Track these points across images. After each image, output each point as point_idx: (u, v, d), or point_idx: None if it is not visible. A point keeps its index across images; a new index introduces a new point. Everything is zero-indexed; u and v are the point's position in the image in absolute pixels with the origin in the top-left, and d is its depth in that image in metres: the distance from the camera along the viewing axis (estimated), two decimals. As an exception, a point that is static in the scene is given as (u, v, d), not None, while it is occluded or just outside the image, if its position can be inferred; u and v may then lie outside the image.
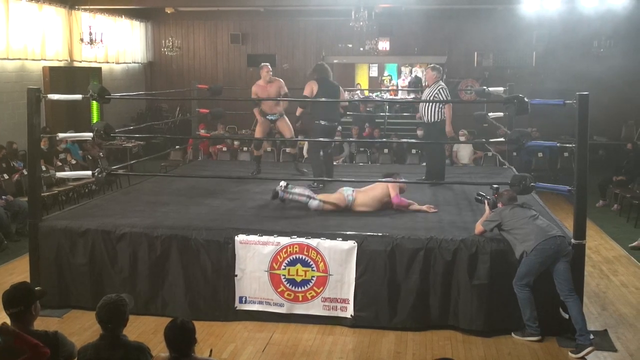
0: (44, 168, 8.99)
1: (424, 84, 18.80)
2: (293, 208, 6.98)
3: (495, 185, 6.19)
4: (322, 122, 8.02)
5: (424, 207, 6.89)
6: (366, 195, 6.83)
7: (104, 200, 7.76)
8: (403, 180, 7.05)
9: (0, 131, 11.95)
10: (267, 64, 8.97)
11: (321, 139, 8.06)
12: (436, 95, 8.15)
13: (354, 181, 7.24)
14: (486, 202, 6.04)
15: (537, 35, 16.39)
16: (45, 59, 13.50)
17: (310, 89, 8.07)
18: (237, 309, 6.05)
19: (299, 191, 6.90)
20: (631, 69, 15.40)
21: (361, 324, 5.89)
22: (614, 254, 8.35)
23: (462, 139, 12.47)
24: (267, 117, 8.74)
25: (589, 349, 5.33)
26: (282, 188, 6.89)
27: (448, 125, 8.22)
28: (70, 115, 15.03)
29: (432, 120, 8.24)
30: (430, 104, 8.16)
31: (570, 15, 14.36)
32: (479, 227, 5.85)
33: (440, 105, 8.14)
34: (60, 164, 11.31)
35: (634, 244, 8.63)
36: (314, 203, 6.78)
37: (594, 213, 10.06)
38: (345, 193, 6.81)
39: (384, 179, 6.83)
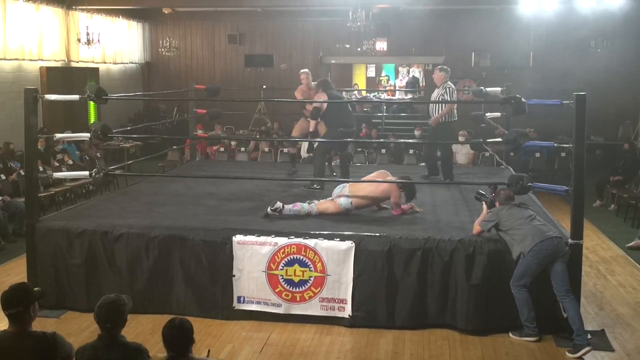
0: (41, 168, 8.98)
1: (421, 84, 18.88)
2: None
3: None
4: (340, 129, 7.96)
5: (409, 207, 6.87)
6: (365, 199, 6.65)
7: (101, 200, 7.76)
8: (397, 179, 6.96)
9: (-2, 132, 11.95)
10: (306, 70, 8.88)
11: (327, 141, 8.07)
12: (443, 95, 8.32)
13: (354, 181, 7.21)
14: (484, 201, 6.04)
15: (534, 35, 16.42)
16: (42, 59, 13.50)
17: (322, 99, 8.08)
18: (236, 308, 6.06)
19: (297, 208, 6.56)
20: (628, 69, 15.45)
21: (359, 324, 5.90)
22: (611, 254, 8.37)
23: (461, 139, 12.48)
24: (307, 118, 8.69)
25: (587, 349, 5.34)
26: (277, 210, 6.51)
27: (434, 119, 8.38)
28: (68, 115, 15.02)
29: (441, 120, 8.40)
30: (439, 104, 8.33)
31: (567, 15, 14.38)
32: (476, 228, 5.86)
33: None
34: (57, 164, 11.30)
35: (631, 244, 8.65)
36: (312, 214, 6.56)
37: (591, 213, 10.07)
38: (343, 204, 6.58)
39: (384, 179, 6.74)
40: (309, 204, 6.66)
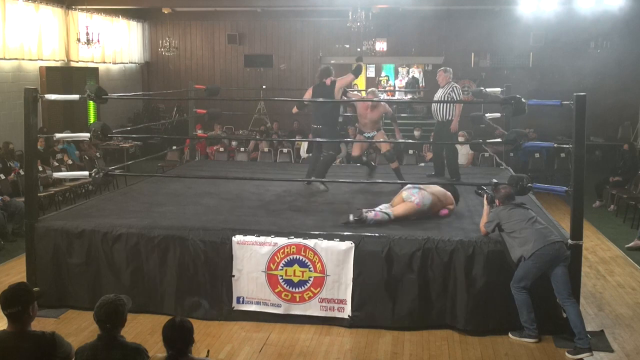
0: (40, 168, 8.97)
1: (420, 85, 18.88)
2: (290, 209, 6.97)
3: (494, 180, 6.16)
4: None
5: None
6: (431, 195, 6.58)
7: (100, 200, 7.76)
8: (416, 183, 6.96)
9: (-3, 131, 11.95)
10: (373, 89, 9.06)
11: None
12: (449, 94, 8.42)
13: (397, 182, 7.22)
14: (485, 195, 6.02)
15: (534, 36, 16.41)
16: (42, 59, 13.48)
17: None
18: (235, 309, 6.05)
19: (378, 218, 6.32)
20: (628, 69, 15.45)
21: (358, 324, 5.90)
22: (610, 254, 8.37)
23: (461, 139, 12.49)
24: (364, 135, 8.43)
25: (587, 353, 5.33)
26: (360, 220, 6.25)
27: (454, 123, 8.50)
28: (67, 115, 15.01)
29: (445, 118, 8.48)
30: (443, 104, 8.43)
31: (567, 16, 14.38)
32: (482, 230, 5.85)
33: (453, 105, 8.40)
34: (57, 164, 11.29)
35: (631, 244, 8.65)
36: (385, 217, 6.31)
37: (591, 214, 10.08)
38: (416, 200, 6.45)
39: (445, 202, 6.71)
40: (385, 211, 6.42)
